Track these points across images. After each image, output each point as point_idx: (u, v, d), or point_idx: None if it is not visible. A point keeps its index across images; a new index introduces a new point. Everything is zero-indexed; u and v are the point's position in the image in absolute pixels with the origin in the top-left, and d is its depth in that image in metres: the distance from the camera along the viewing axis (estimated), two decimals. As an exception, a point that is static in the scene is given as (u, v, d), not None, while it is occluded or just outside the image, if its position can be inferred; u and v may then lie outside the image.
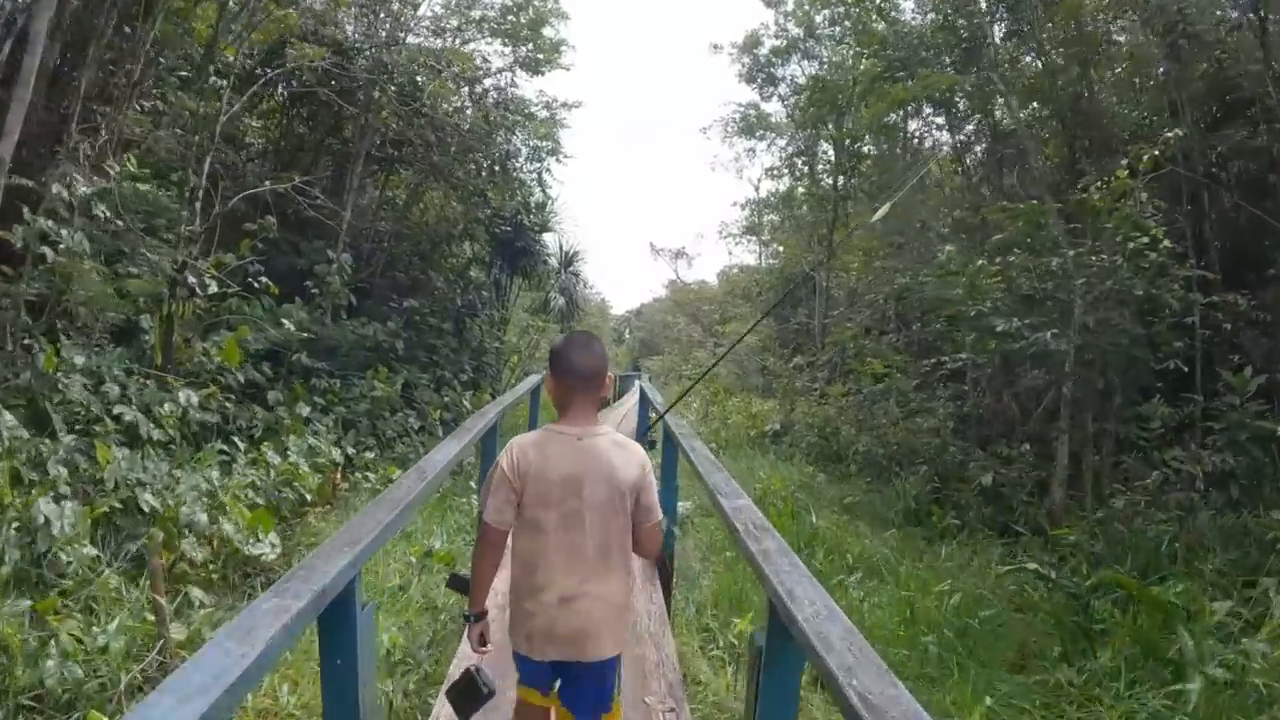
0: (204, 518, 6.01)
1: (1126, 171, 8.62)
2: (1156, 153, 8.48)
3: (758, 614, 5.74)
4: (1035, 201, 9.12)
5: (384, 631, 5.45)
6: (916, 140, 21.92)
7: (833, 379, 19.63)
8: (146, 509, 5.87)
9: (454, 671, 4.20)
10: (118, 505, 5.99)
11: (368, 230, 17.22)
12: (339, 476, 9.73)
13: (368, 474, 10.09)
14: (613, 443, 2.74)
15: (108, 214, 7.58)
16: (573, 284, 23.47)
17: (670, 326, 63.35)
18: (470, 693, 2.82)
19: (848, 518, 11.05)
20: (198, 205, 9.75)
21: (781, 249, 34.47)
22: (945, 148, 22.00)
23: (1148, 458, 9.53)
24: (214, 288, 9.57)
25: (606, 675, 2.77)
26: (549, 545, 2.65)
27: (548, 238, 22.28)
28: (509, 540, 2.79)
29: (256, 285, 10.23)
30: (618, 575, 2.73)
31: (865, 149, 22.83)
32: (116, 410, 7.50)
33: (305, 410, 10.94)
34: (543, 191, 19.75)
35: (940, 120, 20.06)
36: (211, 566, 5.74)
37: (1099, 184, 8.93)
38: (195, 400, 8.50)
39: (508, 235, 19.66)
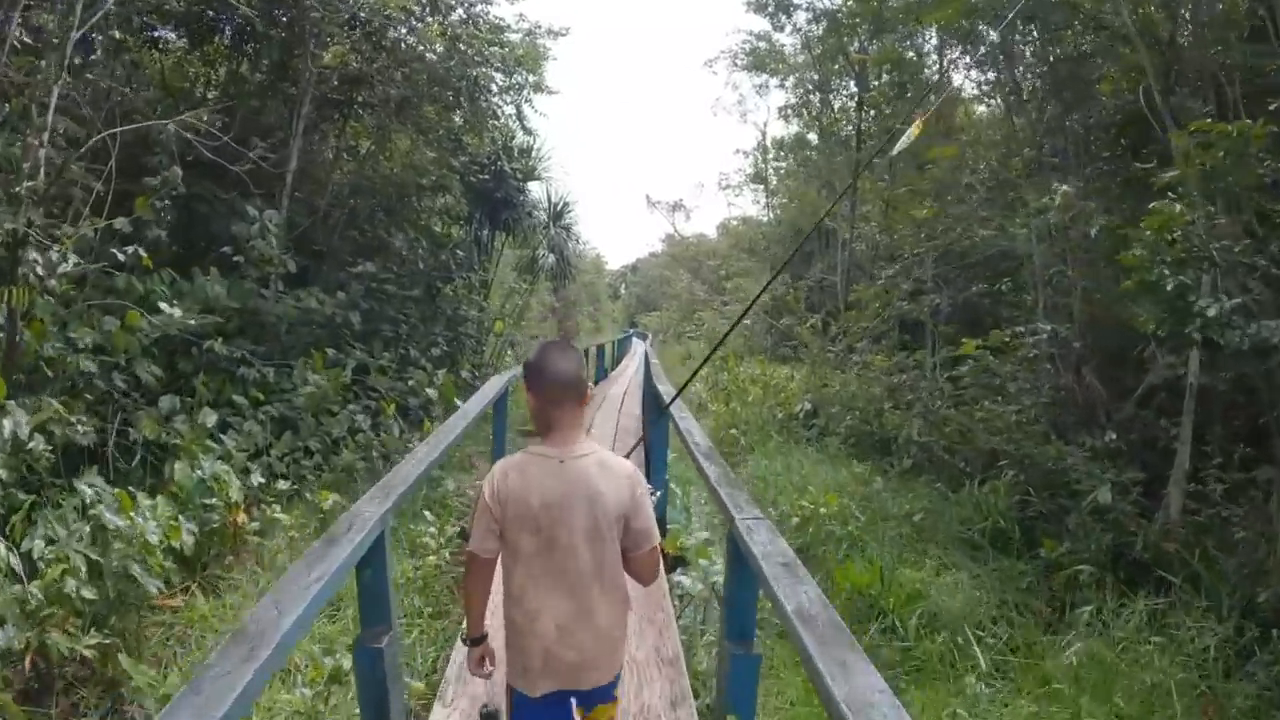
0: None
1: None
2: None
3: None
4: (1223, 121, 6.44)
5: None
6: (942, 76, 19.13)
7: (876, 349, 17.04)
8: None
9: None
10: None
11: (323, 184, 14.58)
12: (240, 518, 7.18)
13: (280, 514, 7.48)
14: (598, 464, 2.59)
15: None
16: (563, 239, 20.69)
17: (669, 283, 60.84)
18: None
19: (927, 546, 8.60)
20: (41, 153, 7.10)
21: (789, 200, 31.78)
22: (970, 85, 19.38)
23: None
24: (67, 265, 7.00)
25: (606, 690, 2.70)
26: (534, 573, 2.56)
27: (534, 188, 19.61)
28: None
29: (124, 256, 7.70)
30: (610, 603, 2.62)
31: (891, 78, 20.08)
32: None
33: (211, 419, 8.39)
34: (524, 130, 16.96)
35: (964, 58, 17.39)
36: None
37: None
38: (25, 425, 6.00)
39: (487, 186, 16.97)
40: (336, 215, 14.42)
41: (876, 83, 21.41)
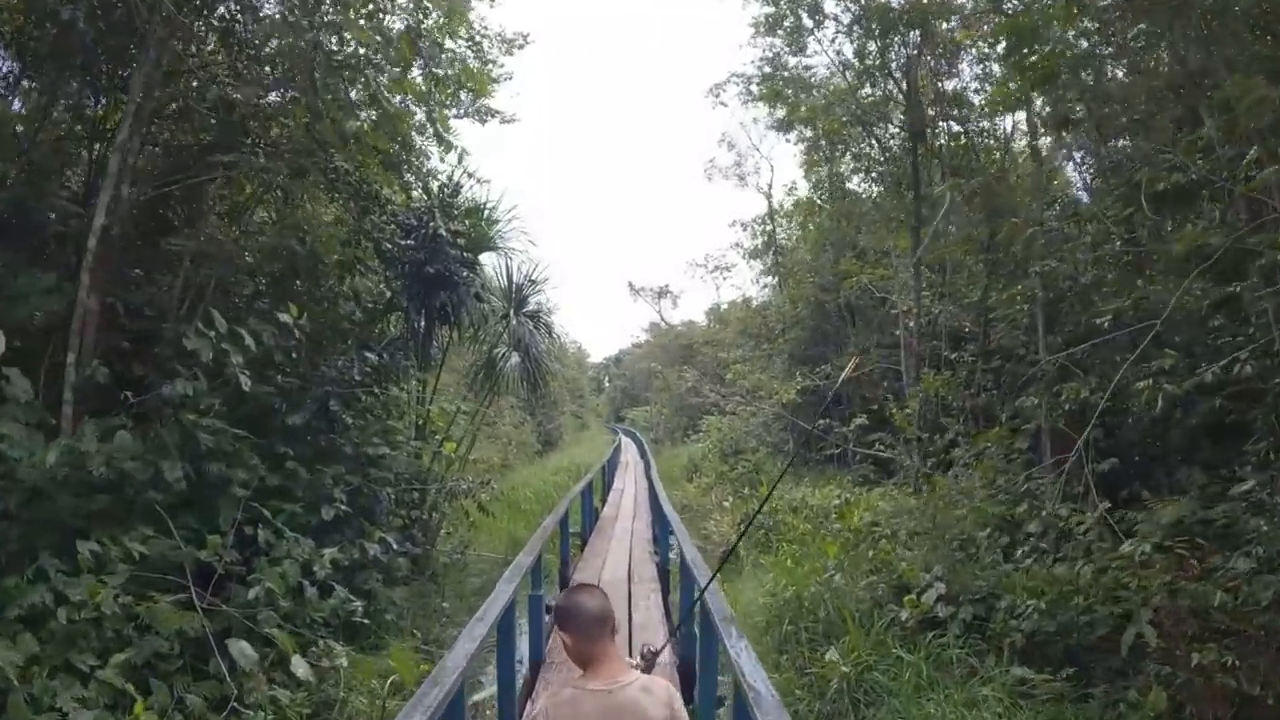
0: None
1: None
2: None
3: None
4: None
5: None
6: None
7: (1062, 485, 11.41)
8: None
9: None
10: None
11: (172, 256, 9.34)
12: None
13: None
14: (641, 689, 2.83)
15: None
16: (529, 332, 14.93)
17: (657, 375, 55.63)
18: None
19: None
20: None
21: (805, 275, 26.74)
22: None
23: None
24: None
25: None
26: None
27: (488, 261, 14.27)
28: None
29: None
30: None
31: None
32: None
33: None
34: (439, 141, 11.42)
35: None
36: None
37: None
38: None
39: (415, 258, 11.71)
40: (174, 302, 9.17)
41: (932, 111, 16.51)
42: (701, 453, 29.81)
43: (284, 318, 7.75)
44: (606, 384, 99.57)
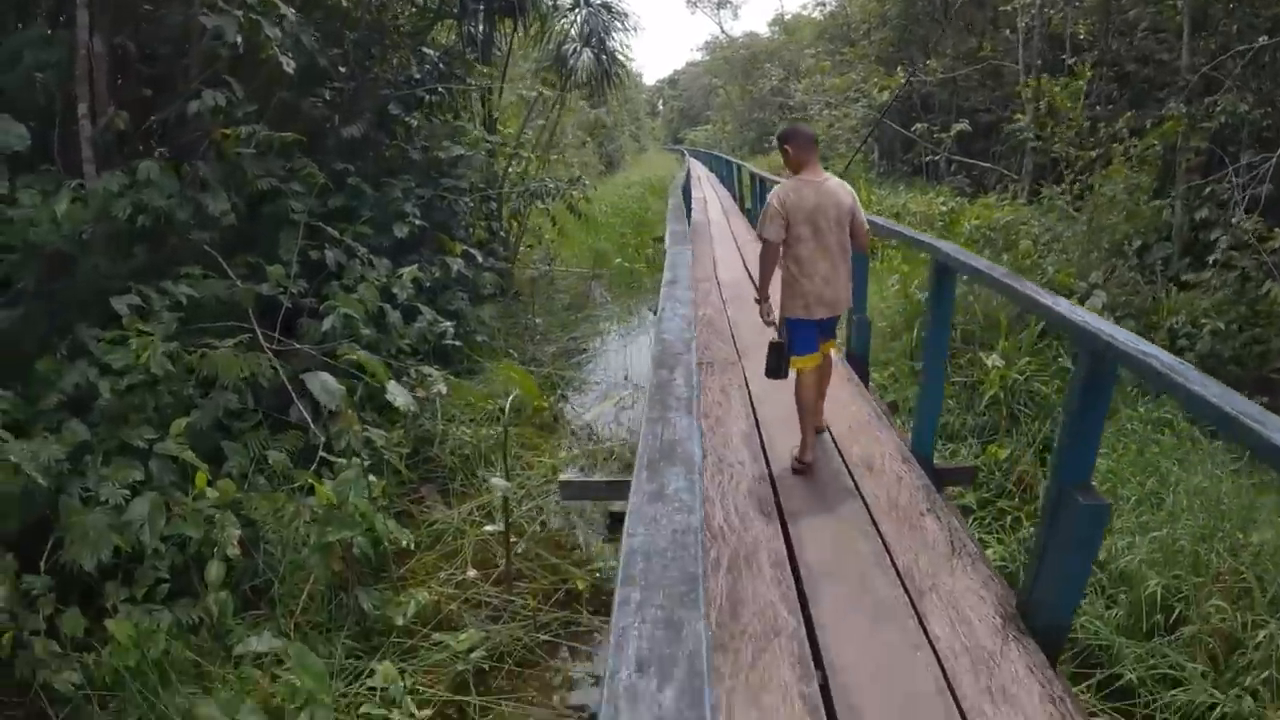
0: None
1: None
2: None
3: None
4: None
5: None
6: None
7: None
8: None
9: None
10: None
11: None
12: None
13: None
14: (837, 183, 4.39)
15: None
16: (602, 23, 12.92)
17: (719, 91, 52.79)
18: (779, 355, 4.63)
19: None
20: None
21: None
22: None
23: None
24: None
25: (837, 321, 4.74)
26: (809, 249, 4.30)
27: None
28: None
29: None
30: (846, 264, 4.44)
31: None
32: None
33: None
34: None
35: None
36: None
37: None
38: None
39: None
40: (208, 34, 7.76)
41: None
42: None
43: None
44: (661, 107, 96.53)
